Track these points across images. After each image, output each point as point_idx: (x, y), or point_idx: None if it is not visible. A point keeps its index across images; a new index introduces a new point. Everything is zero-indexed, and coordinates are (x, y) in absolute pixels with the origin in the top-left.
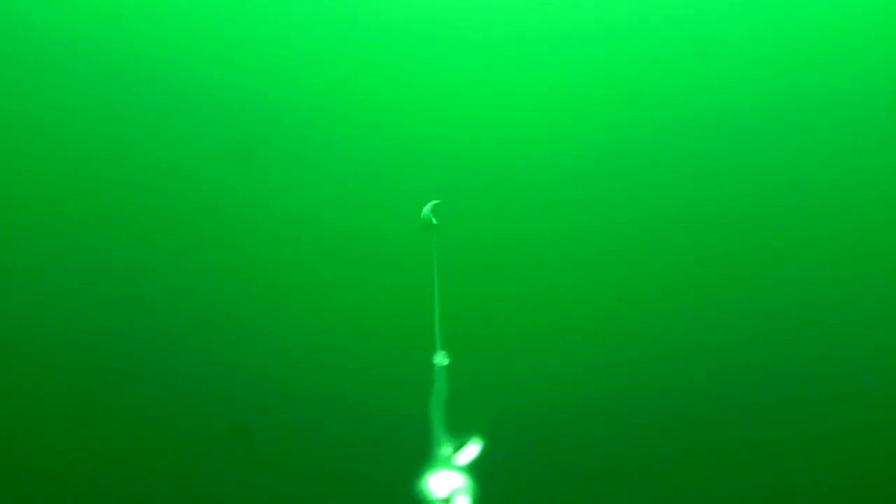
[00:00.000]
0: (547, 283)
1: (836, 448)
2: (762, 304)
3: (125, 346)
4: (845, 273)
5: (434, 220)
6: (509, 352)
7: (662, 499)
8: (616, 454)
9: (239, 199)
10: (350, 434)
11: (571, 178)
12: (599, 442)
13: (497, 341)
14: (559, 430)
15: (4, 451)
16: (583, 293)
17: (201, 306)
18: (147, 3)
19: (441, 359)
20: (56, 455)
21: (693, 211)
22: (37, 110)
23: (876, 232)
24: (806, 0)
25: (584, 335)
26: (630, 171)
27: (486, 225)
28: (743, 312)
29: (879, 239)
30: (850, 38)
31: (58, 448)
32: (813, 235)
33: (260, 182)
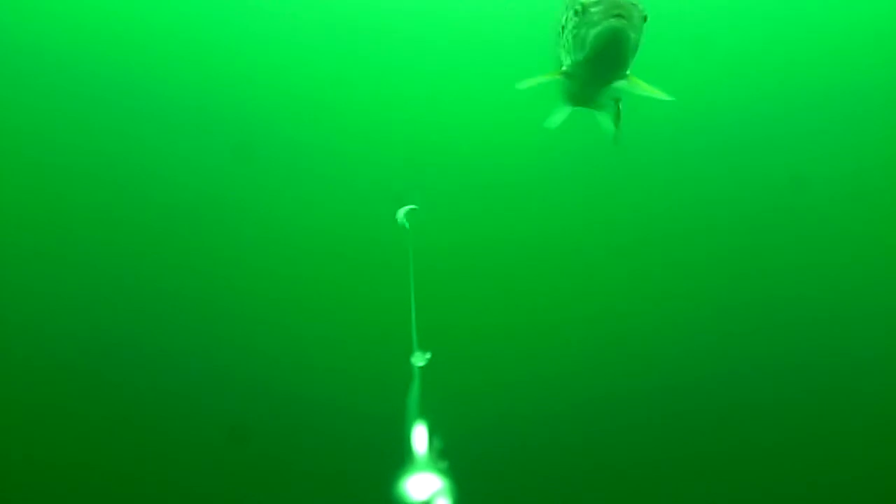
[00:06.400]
0: (529, 287)
1: (833, 447)
2: (758, 303)
3: (118, 348)
4: (846, 272)
5: (407, 224)
6: (490, 355)
7: (653, 499)
8: (600, 456)
9: (233, 205)
10: (332, 436)
11: (562, 179)
12: (582, 445)
13: (478, 344)
14: (542, 432)
15: (5, 454)
16: (570, 295)
17: (194, 310)
18: (130, 19)
19: (418, 359)
20: (55, 457)
21: (688, 211)
22: (34, 120)
23: (876, 230)
24: (805, 1)
25: (571, 338)
26: (622, 172)
27: (472, 227)
28: (738, 314)
29: (880, 237)
30: (849, 38)
31: (57, 451)
32: (813, 234)
33: (257, 189)
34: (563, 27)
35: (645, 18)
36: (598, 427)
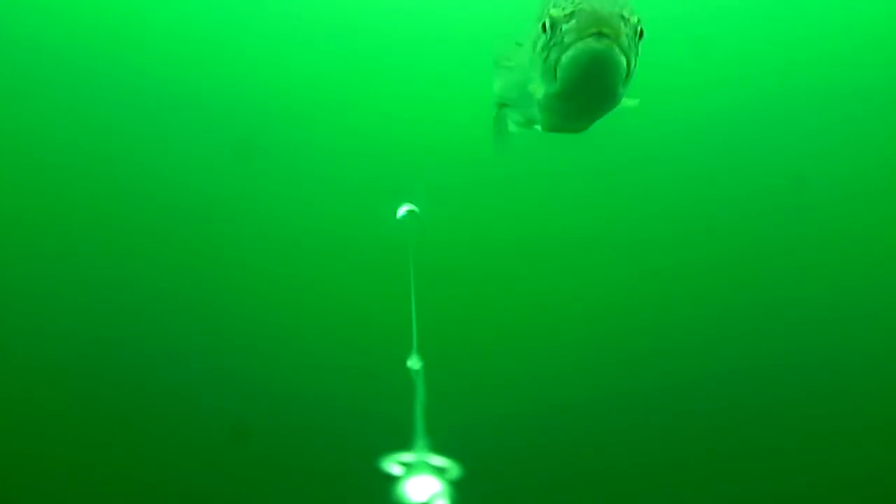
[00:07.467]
0: (529, 287)
1: (833, 447)
2: (758, 303)
3: (118, 348)
4: (846, 271)
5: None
6: (489, 354)
7: (653, 499)
8: (599, 456)
9: (233, 205)
10: (332, 436)
11: (562, 178)
12: (581, 445)
13: (478, 344)
14: (542, 432)
15: (5, 454)
16: (570, 295)
17: (194, 310)
18: (130, 19)
19: (415, 363)
20: (55, 457)
21: (688, 211)
22: (33, 120)
23: (876, 230)
24: (803, 1)
25: (572, 337)
26: (623, 172)
27: (472, 226)
28: (738, 314)
29: (880, 237)
30: (849, 38)
31: (57, 451)
32: (813, 234)
33: (257, 189)
34: (533, 44)
35: (640, 33)
36: (597, 427)
